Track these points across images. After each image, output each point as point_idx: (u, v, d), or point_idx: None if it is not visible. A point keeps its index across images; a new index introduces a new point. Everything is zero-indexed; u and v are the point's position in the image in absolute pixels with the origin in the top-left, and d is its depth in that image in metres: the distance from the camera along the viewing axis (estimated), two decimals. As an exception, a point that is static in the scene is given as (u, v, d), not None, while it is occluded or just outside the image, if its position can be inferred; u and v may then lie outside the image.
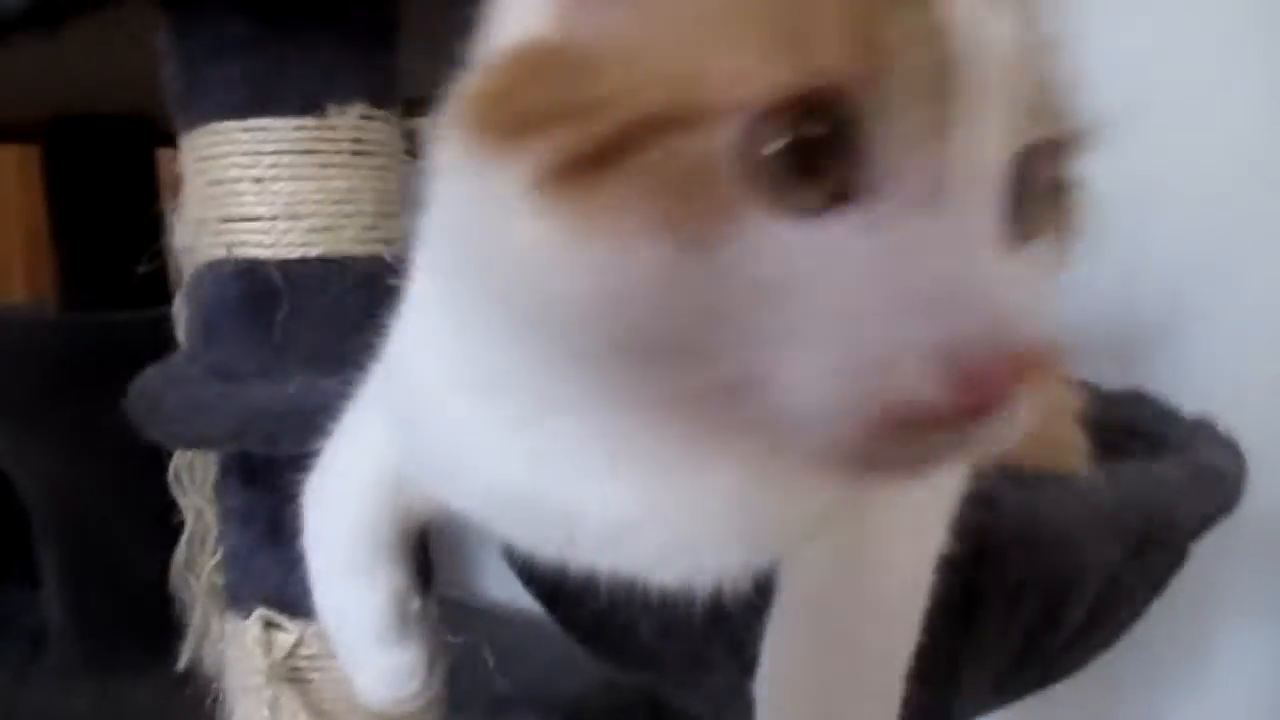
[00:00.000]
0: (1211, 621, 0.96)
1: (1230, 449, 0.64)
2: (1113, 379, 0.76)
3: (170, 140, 1.44)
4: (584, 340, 0.32)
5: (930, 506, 0.46)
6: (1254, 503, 0.62)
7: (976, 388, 0.27)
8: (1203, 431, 0.68)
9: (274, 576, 0.67)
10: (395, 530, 0.52)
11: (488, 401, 0.42)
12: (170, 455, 1.09)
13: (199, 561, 1.12)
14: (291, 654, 0.66)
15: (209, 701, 0.94)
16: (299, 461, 0.60)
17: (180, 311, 0.73)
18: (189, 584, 1.14)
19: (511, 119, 0.31)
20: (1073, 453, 0.66)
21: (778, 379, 0.29)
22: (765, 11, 0.28)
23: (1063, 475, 0.54)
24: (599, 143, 0.29)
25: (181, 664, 1.14)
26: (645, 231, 0.28)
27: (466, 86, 0.33)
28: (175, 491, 1.10)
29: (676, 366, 0.30)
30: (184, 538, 1.12)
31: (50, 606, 1.26)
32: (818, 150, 0.28)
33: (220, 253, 0.63)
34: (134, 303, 1.38)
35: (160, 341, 1.09)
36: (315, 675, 0.66)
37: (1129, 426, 0.72)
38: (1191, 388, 0.83)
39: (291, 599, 0.66)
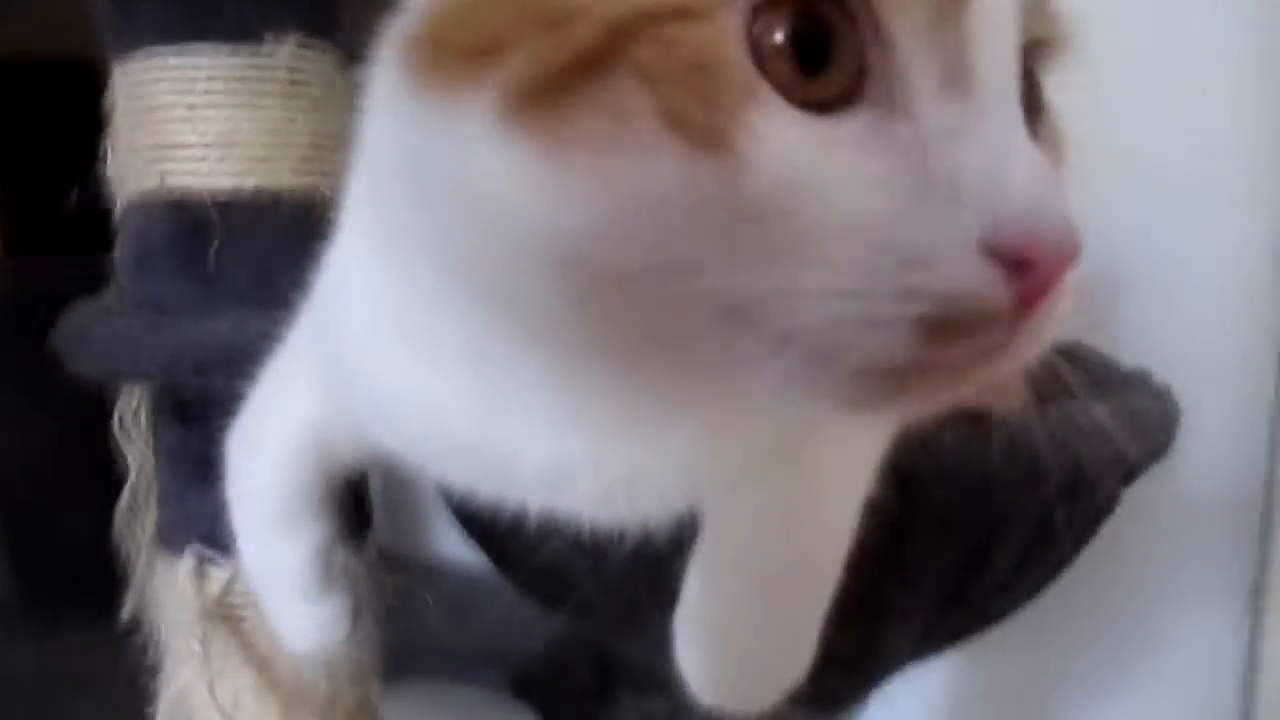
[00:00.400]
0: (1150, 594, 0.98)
1: (1164, 397, 0.65)
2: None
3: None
4: (557, 279, 0.29)
5: (859, 451, 0.46)
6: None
7: (1029, 276, 0.26)
8: (1137, 380, 0.69)
9: (206, 516, 0.66)
10: (320, 482, 0.51)
11: (428, 345, 0.41)
12: (114, 403, 1.07)
13: (142, 512, 1.11)
14: (224, 593, 0.65)
15: (153, 641, 0.94)
16: (231, 400, 0.59)
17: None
18: (133, 534, 1.13)
19: (471, 42, 0.28)
20: (1012, 396, 0.66)
21: (800, 294, 0.26)
22: None
23: (992, 415, 0.54)
24: (580, 50, 0.26)
25: (125, 615, 1.14)
26: (643, 142, 0.26)
27: (413, 14, 0.31)
28: (119, 439, 1.09)
29: (671, 295, 0.28)
30: (127, 487, 1.11)
31: (-8, 557, 1.24)
32: (830, 36, 0.27)
33: (152, 183, 0.62)
34: (78, 248, 1.36)
35: (101, 287, 1.08)
36: (248, 614, 0.66)
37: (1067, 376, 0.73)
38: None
39: (224, 538, 0.65)
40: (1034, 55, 0.31)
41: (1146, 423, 0.59)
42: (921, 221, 0.26)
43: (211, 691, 0.65)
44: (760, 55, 0.26)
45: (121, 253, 0.67)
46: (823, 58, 0.27)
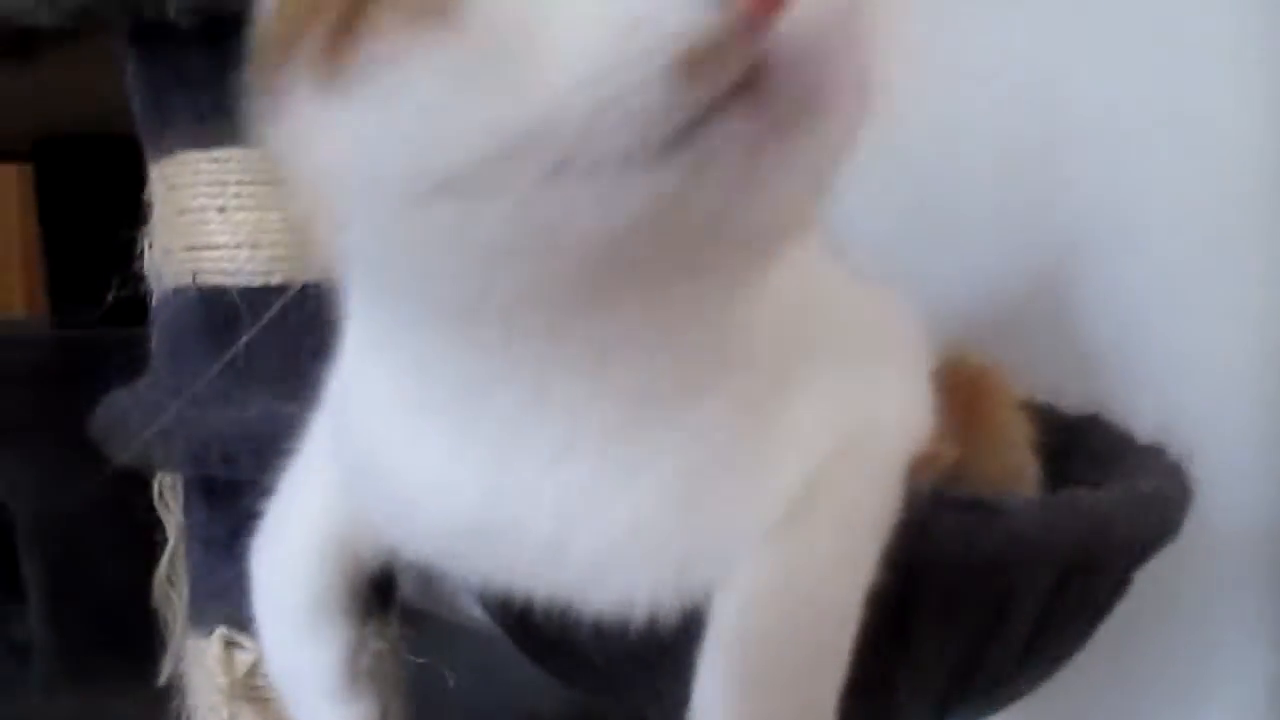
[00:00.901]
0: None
1: (1177, 475, 0.65)
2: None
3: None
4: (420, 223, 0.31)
5: (861, 537, 0.47)
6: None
7: None
8: (1152, 457, 0.69)
9: (234, 595, 0.68)
10: (344, 585, 0.53)
11: (415, 415, 0.44)
12: (154, 472, 1.11)
13: (180, 577, 1.14)
14: (251, 673, 0.67)
15: (185, 717, 0.96)
16: (259, 482, 0.62)
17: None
18: (170, 599, 1.16)
19: (285, 31, 0.31)
20: (1022, 481, 0.67)
21: (558, 105, 0.27)
22: None
23: (997, 500, 0.55)
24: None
25: (162, 678, 1.16)
26: (401, 48, 0.28)
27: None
28: (159, 508, 1.12)
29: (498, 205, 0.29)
30: (166, 554, 1.14)
31: (34, 620, 1.28)
32: None
33: (185, 279, 0.65)
34: (122, 320, 1.40)
35: (144, 359, 1.12)
36: (274, 694, 0.67)
37: (1083, 453, 0.74)
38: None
39: (251, 618, 0.68)
40: None
41: (1156, 505, 0.60)
42: None
43: (239, 768, 0.66)
44: None
45: (157, 342, 0.70)
46: None
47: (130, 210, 1.42)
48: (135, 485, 1.14)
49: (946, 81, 1.03)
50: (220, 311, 0.64)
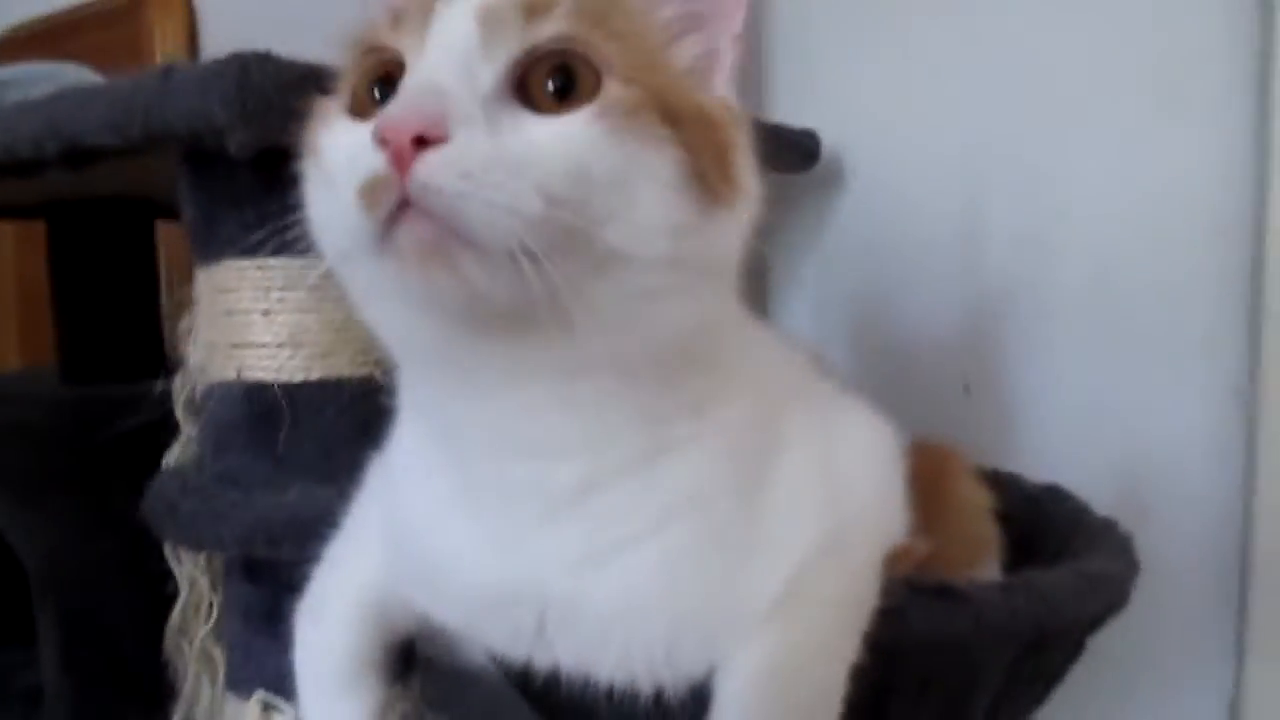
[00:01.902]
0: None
1: (1125, 552, 0.73)
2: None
3: (168, 215, 1.51)
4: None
5: (845, 624, 0.53)
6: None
7: (388, 146, 0.38)
8: (1104, 533, 0.76)
9: (272, 662, 0.74)
10: (378, 649, 0.59)
11: (434, 477, 0.52)
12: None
13: (192, 628, 1.19)
14: (286, 728, 0.73)
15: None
16: (295, 563, 0.68)
17: (185, 416, 0.81)
18: (182, 649, 1.21)
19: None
20: (984, 548, 0.74)
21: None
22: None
23: (964, 585, 0.61)
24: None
25: (173, 720, 1.21)
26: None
27: None
28: (171, 562, 1.17)
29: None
30: (178, 605, 1.19)
31: (46, 667, 1.32)
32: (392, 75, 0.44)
33: (230, 374, 0.71)
34: (131, 375, 1.45)
35: (155, 414, 1.17)
36: (307, 753, 0.73)
37: (1043, 524, 0.81)
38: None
39: (288, 683, 0.73)
40: (560, 55, 0.42)
41: (1103, 583, 0.67)
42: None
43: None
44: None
45: (201, 430, 0.76)
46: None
47: (141, 265, 1.47)
48: (147, 540, 1.20)
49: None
50: (263, 404, 0.70)
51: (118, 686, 1.31)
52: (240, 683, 0.76)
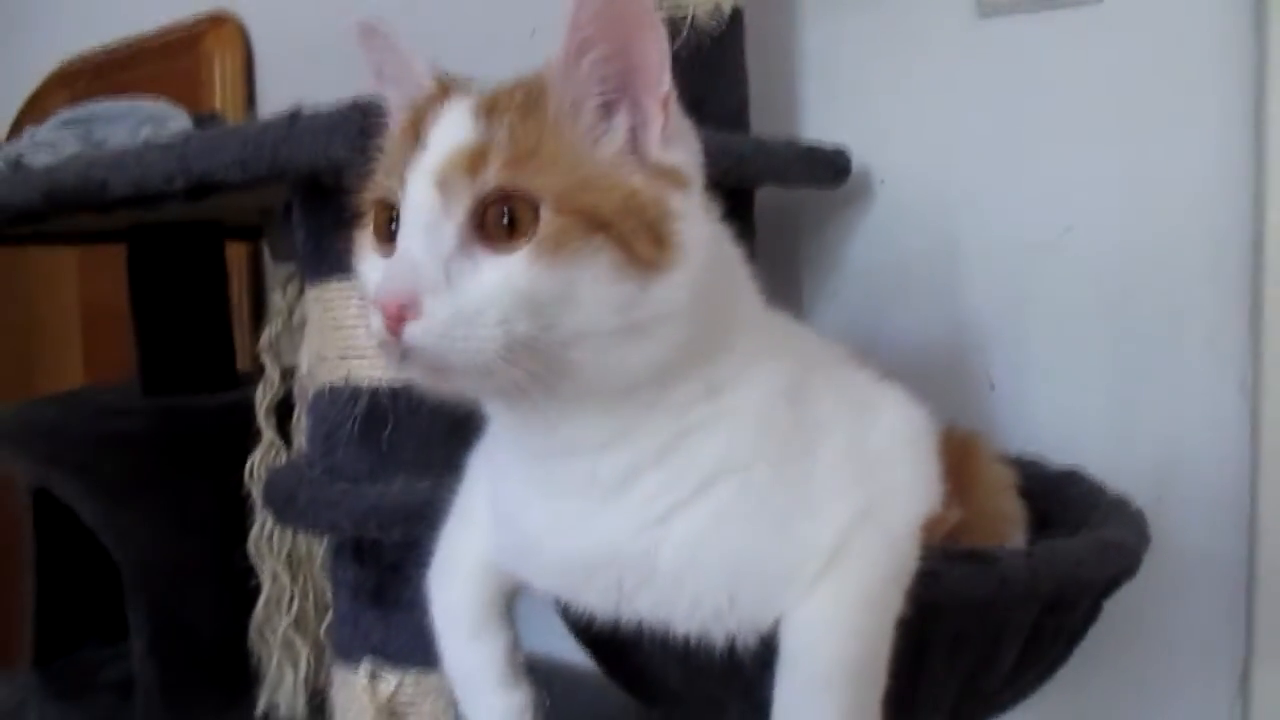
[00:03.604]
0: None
1: (1136, 523, 0.81)
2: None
3: (237, 235, 1.61)
4: None
5: (890, 581, 0.61)
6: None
7: (382, 312, 0.50)
8: (1118, 508, 0.85)
9: (377, 634, 0.83)
10: (502, 598, 0.67)
11: (514, 468, 0.62)
12: (248, 525, 1.26)
13: (274, 620, 1.29)
14: (392, 698, 0.82)
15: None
16: (396, 546, 0.77)
17: (267, 422, 0.90)
18: (265, 639, 1.30)
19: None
20: (1010, 523, 0.82)
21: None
22: (379, 169, 0.58)
23: (991, 550, 0.70)
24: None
25: (258, 712, 1.31)
26: None
27: None
28: (254, 558, 1.27)
29: None
30: (261, 599, 1.29)
31: (136, 660, 1.41)
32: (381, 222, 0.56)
33: (339, 380, 0.80)
34: (206, 386, 1.56)
35: (234, 423, 1.27)
36: (410, 713, 0.83)
37: (1063, 502, 0.89)
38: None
39: (391, 652, 0.83)
40: (502, 198, 0.52)
41: (1117, 550, 0.75)
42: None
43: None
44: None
45: (311, 429, 0.86)
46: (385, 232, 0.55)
47: (214, 283, 1.57)
48: (229, 540, 1.29)
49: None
50: (369, 405, 0.79)
51: (203, 677, 1.41)
52: (348, 654, 0.85)
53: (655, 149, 0.55)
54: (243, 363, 1.63)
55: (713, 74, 1.01)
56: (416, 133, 0.54)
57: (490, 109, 0.54)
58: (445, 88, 0.57)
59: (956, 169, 1.18)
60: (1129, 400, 1.11)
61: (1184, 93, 1.05)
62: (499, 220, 0.52)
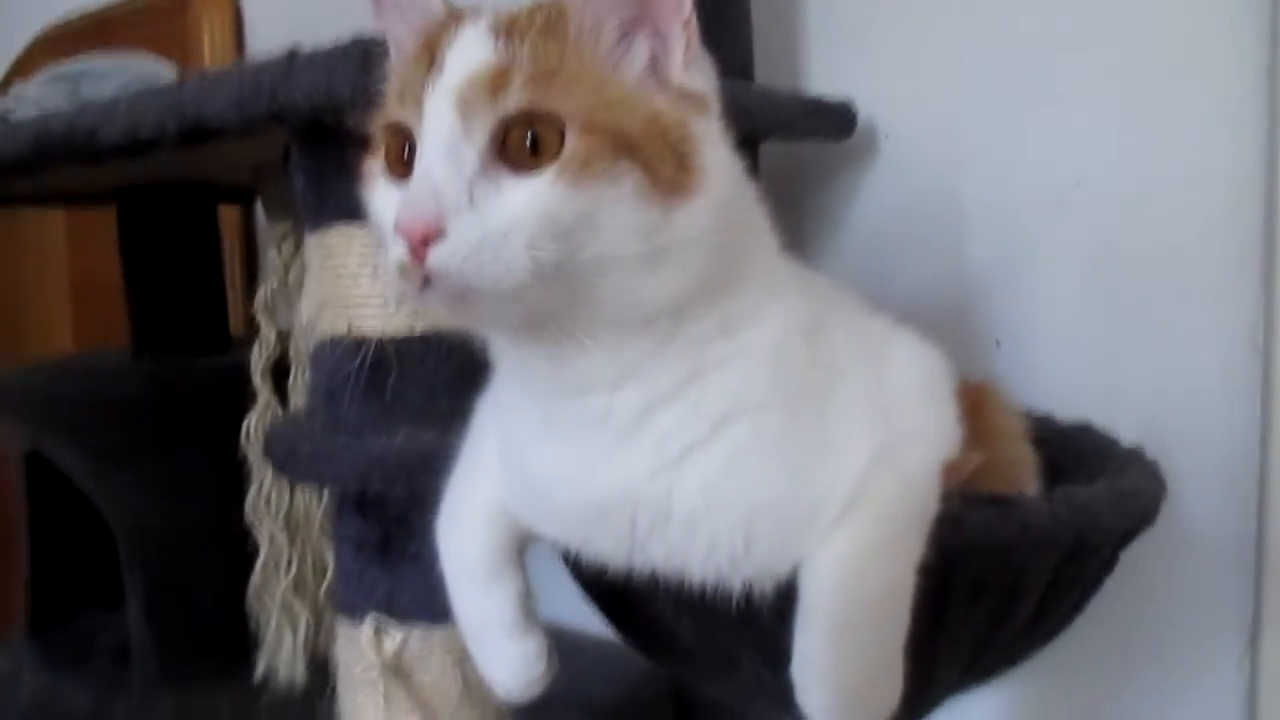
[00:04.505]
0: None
1: (1153, 473, 0.80)
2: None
3: (229, 199, 1.59)
4: None
5: (911, 525, 0.60)
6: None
7: (404, 238, 0.49)
8: (1133, 458, 0.84)
9: (382, 589, 0.82)
10: (513, 545, 0.66)
11: (525, 410, 0.60)
12: (244, 487, 1.25)
13: (273, 583, 1.28)
14: (398, 651, 0.81)
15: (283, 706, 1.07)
16: (401, 499, 0.76)
17: (295, 383, 0.89)
18: (264, 603, 1.29)
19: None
20: (1024, 470, 0.81)
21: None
22: (388, 95, 0.56)
23: (1012, 496, 0.69)
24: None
25: (257, 675, 1.30)
26: None
27: None
28: (251, 520, 1.26)
29: None
30: (259, 562, 1.27)
31: (133, 625, 1.40)
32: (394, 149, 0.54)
33: (341, 329, 0.79)
34: (198, 349, 1.54)
35: (228, 386, 1.25)
36: (416, 669, 0.81)
37: (1077, 454, 0.88)
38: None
39: (396, 607, 0.81)
40: (526, 119, 0.51)
41: (1136, 498, 0.74)
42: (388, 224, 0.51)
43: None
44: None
45: (313, 381, 0.84)
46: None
47: (206, 246, 1.55)
48: (226, 502, 1.28)
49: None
50: (372, 356, 0.77)
51: (201, 642, 1.40)
52: (352, 608, 0.84)
53: (678, 72, 0.54)
54: (235, 328, 1.61)
55: (718, 24, 0.99)
56: (432, 56, 0.52)
57: (509, 30, 0.52)
58: (457, 13, 0.55)
59: (962, 123, 1.17)
60: (1135, 358, 1.10)
61: (1194, 45, 1.03)
62: (522, 142, 0.50)
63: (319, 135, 0.76)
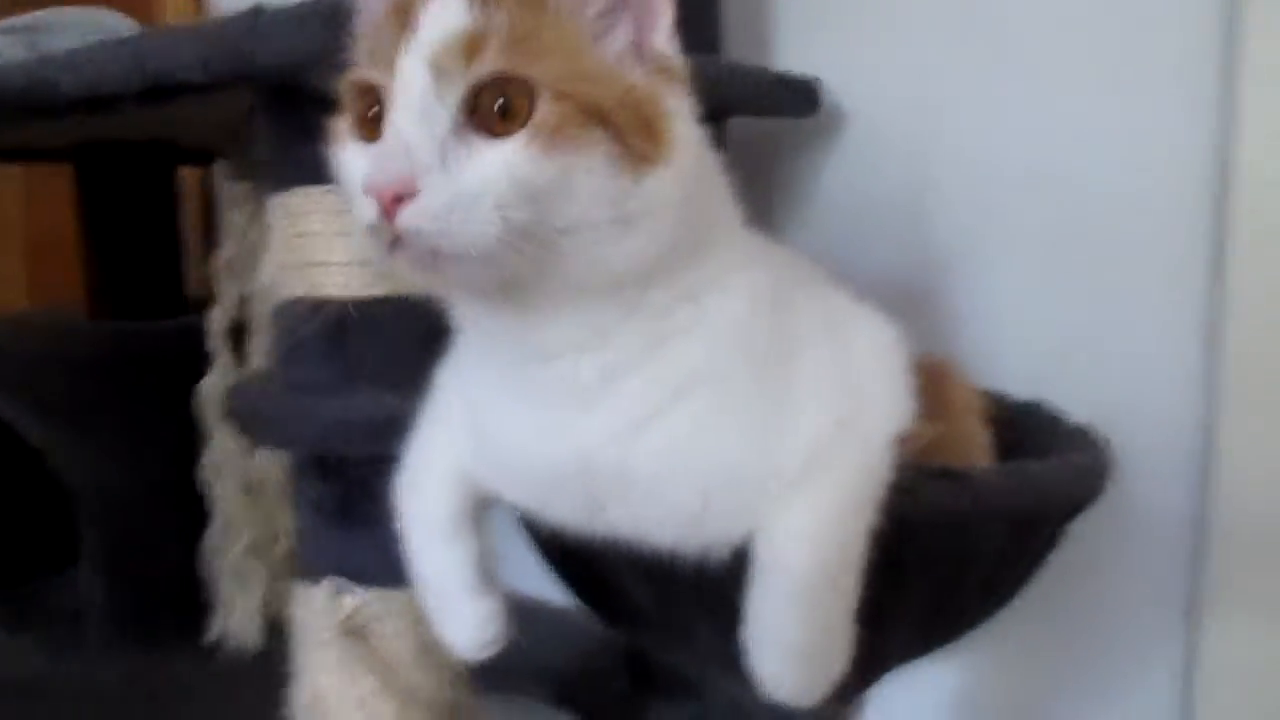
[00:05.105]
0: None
1: (1101, 451, 0.81)
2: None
3: (190, 159, 1.57)
4: None
5: (865, 493, 0.61)
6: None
7: (371, 194, 0.49)
8: (1081, 436, 0.85)
9: (341, 551, 0.82)
10: (472, 506, 0.66)
11: (486, 375, 0.61)
12: (200, 449, 1.24)
13: (228, 544, 1.27)
14: (354, 613, 0.81)
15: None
16: (361, 461, 0.76)
17: (257, 334, 0.88)
18: (218, 565, 1.29)
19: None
20: (977, 445, 0.83)
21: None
22: (360, 55, 0.55)
23: (964, 468, 0.70)
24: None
25: (210, 637, 1.30)
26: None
27: None
28: (206, 482, 1.25)
29: None
30: (214, 523, 1.27)
31: (88, 586, 1.39)
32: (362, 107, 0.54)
33: (302, 291, 0.78)
34: (154, 311, 1.52)
35: (185, 348, 1.24)
36: (374, 631, 0.82)
37: (1026, 430, 0.90)
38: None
39: (354, 570, 0.82)
40: (499, 84, 0.51)
41: (1084, 474, 0.75)
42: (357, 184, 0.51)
43: (345, 692, 0.80)
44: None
45: (274, 342, 0.84)
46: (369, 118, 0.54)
47: (164, 206, 1.53)
48: (185, 464, 1.27)
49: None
50: (332, 317, 0.77)
51: (156, 604, 1.39)
52: (311, 571, 0.84)
53: (661, 42, 0.55)
54: (191, 290, 1.60)
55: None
56: (405, 17, 0.52)
57: None
58: None
59: (928, 103, 1.18)
60: (1088, 339, 1.12)
61: (1156, 34, 1.05)
62: (494, 105, 0.51)
63: (284, 95, 0.76)
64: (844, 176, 1.25)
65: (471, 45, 0.51)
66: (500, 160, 0.50)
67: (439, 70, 0.51)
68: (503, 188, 0.50)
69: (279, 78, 0.71)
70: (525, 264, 0.52)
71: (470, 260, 0.51)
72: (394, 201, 0.49)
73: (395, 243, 0.50)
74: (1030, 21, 1.11)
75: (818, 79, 1.18)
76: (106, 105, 0.83)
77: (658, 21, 0.55)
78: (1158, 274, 1.07)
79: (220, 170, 1.27)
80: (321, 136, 0.61)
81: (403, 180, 0.49)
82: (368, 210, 0.50)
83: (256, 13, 0.69)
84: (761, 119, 1.20)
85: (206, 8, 1.88)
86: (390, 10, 0.54)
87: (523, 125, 0.50)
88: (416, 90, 0.51)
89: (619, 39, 0.54)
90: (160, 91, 0.78)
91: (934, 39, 1.17)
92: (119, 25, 1.25)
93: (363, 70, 0.55)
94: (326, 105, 0.58)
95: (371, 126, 0.53)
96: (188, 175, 1.74)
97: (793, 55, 1.25)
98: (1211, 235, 1.03)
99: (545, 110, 0.50)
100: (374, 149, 0.52)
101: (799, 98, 1.15)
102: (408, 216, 0.49)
